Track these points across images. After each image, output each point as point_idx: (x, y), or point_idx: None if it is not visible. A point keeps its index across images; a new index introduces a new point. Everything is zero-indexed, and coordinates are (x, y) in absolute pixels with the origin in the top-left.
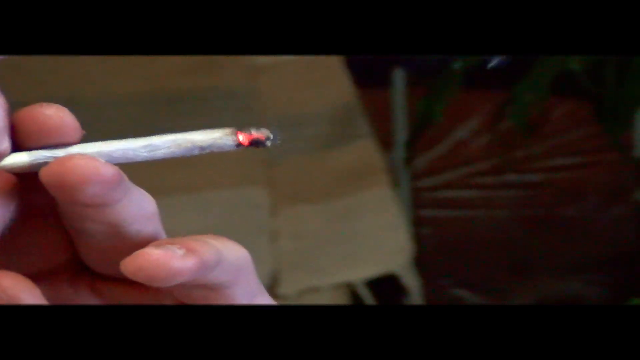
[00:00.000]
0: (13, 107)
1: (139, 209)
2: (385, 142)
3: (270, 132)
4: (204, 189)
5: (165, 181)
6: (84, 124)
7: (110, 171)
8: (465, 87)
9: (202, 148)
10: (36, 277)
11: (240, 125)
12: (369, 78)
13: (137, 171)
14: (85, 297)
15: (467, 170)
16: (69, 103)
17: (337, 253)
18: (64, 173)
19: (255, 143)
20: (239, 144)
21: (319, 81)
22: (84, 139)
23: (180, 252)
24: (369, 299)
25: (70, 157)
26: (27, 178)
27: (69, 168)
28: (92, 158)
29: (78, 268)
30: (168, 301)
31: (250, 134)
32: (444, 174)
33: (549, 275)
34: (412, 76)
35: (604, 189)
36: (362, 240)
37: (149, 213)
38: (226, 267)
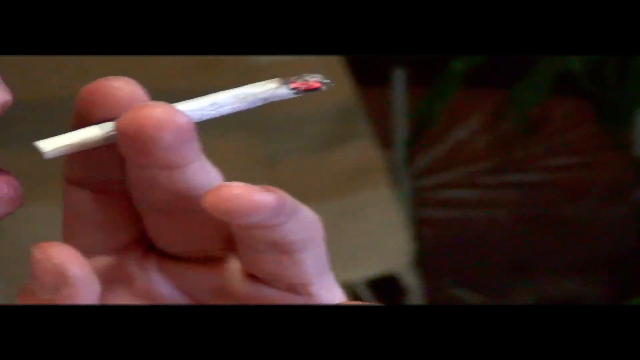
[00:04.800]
0: (12, 107)
1: (207, 178)
2: (385, 142)
3: (323, 77)
4: None
5: None
6: None
7: (185, 118)
8: (465, 87)
9: (264, 99)
10: (103, 255)
11: (291, 75)
12: (369, 78)
13: None
14: (151, 276)
15: (467, 170)
16: (69, 103)
17: (337, 253)
18: (141, 118)
19: (310, 88)
20: (297, 91)
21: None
22: None
23: (260, 189)
24: (369, 299)
25: (146, 104)
26: (96, 155)
27: (146, 113)
28: (168, 105)
29: (145, 247)
30: (230, 281)
31: (305, 81)
32: (444, 174)
33: (549, 275)
34: (412, 76)
35: (604, 189)
36: (362, 240)
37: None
38: (301, 223)
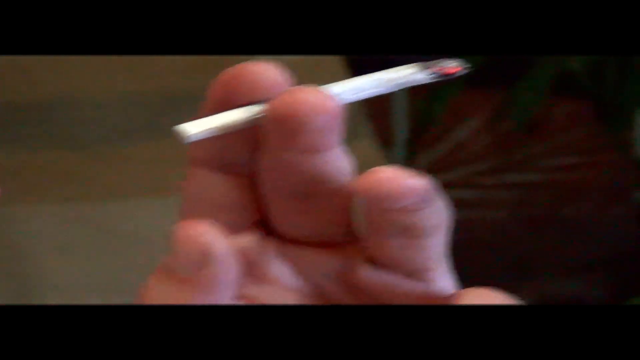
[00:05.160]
0: (12, 107)
1: (342, 164)
2: (385, 142)
3: (460, 62)
4: None
5: (166, 181)
6: (84, 124)
7: (336, 103)
8: (465, 87)
9: (402, 84)
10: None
11: (429, 60)
12: None
13: (138, 171)
14: (271, 260)
15: (467, 170)
16: (69, 103)
17: None
18: (295, 102)
19: (449, 73)
20: (436, 76)
21: (319, 81)
22: None
23: (410, 174)
24: None
25: (299, 87)
26: (228, 137)
27: (300, 97)
28: (320, 89)
29: (264, 231)
30: (350, 266)
31: (443, 66)
32: (444, 174)
33: (549, 275)
34: None
35: (604, 189)
36: None
37: (348, 172)
38: (437, 209)
